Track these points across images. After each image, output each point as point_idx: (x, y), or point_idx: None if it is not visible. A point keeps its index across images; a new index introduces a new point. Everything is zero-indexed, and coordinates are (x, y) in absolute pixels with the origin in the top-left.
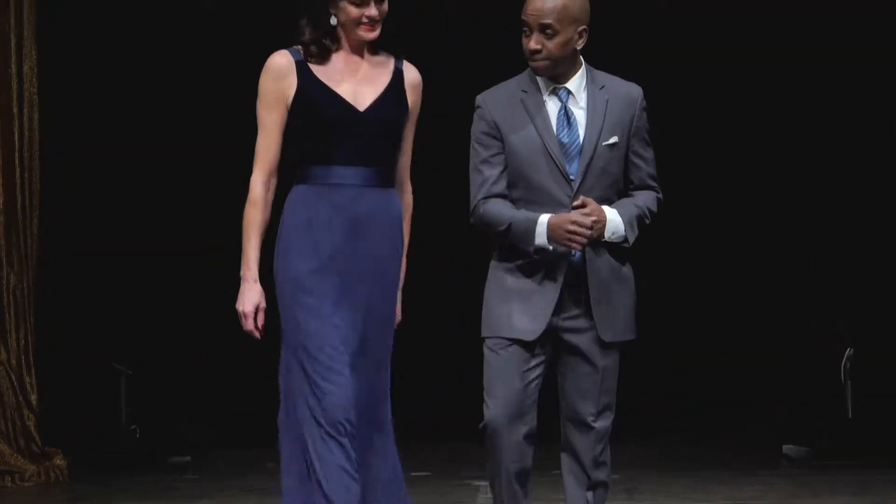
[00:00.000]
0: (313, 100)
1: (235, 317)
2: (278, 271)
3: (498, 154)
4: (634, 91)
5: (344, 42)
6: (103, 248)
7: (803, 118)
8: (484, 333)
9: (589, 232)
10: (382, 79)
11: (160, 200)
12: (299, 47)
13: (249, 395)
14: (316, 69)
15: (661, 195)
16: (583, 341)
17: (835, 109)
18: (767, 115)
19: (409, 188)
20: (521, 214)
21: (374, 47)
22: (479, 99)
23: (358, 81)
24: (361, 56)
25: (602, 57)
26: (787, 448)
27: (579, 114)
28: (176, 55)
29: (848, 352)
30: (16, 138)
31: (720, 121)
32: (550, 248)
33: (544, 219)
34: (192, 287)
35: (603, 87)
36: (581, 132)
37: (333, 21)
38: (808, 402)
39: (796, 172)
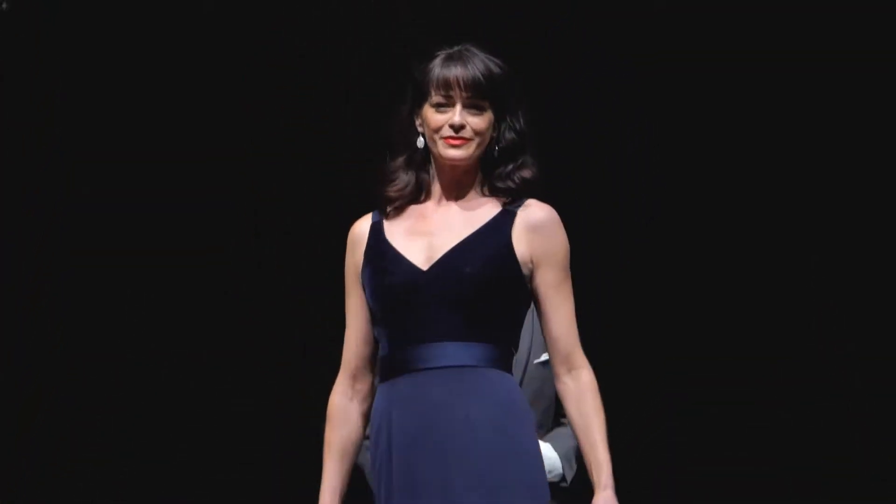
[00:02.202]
0: (373, 267)
1: (235, 317)
2: None
3: None
4: None
5: (437, 176)
6: (103, 248)
7: (803, 118)
8: None
9: None
10: (475, 221)
11: (160, 200)
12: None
13: (249, 396)
14: (391, 226)
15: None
16: None
17: (834, 109)
18: (767, 115)
19: (579, 363)
20: None
21: (491, 183)
22: None
23: (440, 229)
24: (461, 194)
25: (601, 57)
26: None
27: None
28: (176, 55)
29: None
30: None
31: (720, 121)
32: None
33: None
34: (192, 287)
35: None
36: None
37: (421, 142)
38: (808, 403)
39: (796, 172)
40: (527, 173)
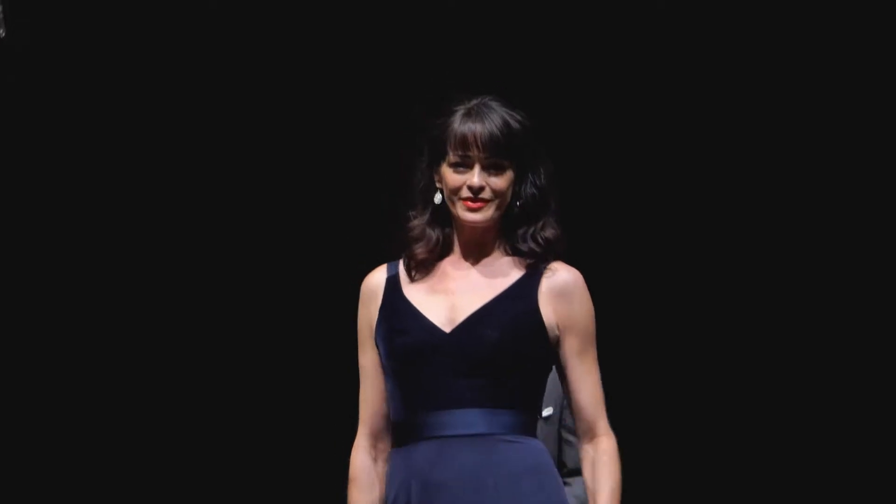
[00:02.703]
0: (390, 324)
1: (235, 317)
2: None
3: None
4: None
5: (457, 234)
6: (102, 248)
7: (802, 118)
8: None
9: None
10: (499, 283)
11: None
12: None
13: (250, 396)
14: (409, 282)
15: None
16: None
17: (835, 109)
18: (767, 115)
19: (601, 431)
20: None
21: (512, 244)
22: None
23: (462, 290)
24: (482, 253)
25: (599, 58)
26: None
27: None
28: (177, 54)
29: None
30: None
31: (720, 121)
32: None
33: None
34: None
35: None
36: None
37: (438, 198)
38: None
39: (796, 173)
40: (550, 233)
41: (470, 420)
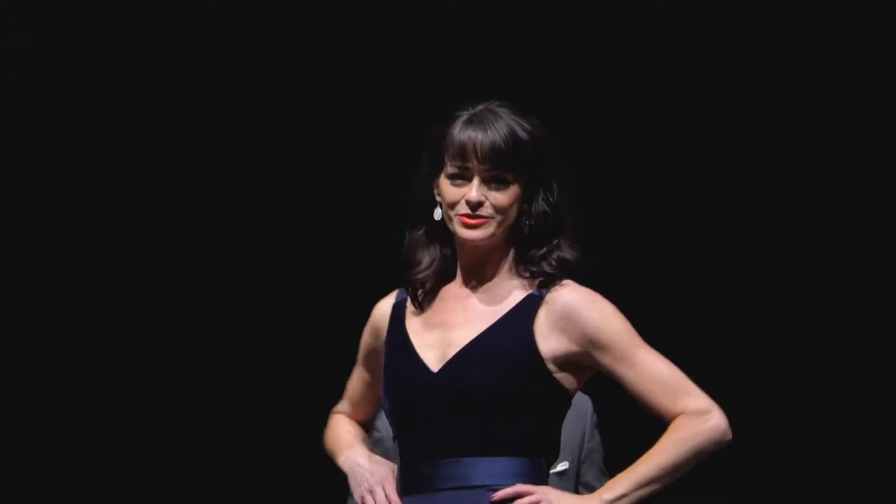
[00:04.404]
0: (390, 361)
1: (235, 317)
2: None
3: None
4: (582, 402)
5: (459, 255)
6: (103, 248)
7: (803, 118)
8: None
9: None
10: (497, 310)
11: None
12: None
13: (250, 397)
14: (411, 312)
15: None
16: None
17: (835, 109)
18: (767, 115)
19: (696, 406)
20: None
21: (523, 265)
22: None
23: (458, 321)
24: (486, 275)
25: (599, 58)
26: None
27: None
28: (177, 54)
29: None
30: None
31: (720, 121)
32: None
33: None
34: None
35: None
36: None
37: (438, 214)
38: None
39: (796, 173)
40: (566, 254)
41: (460, 471)
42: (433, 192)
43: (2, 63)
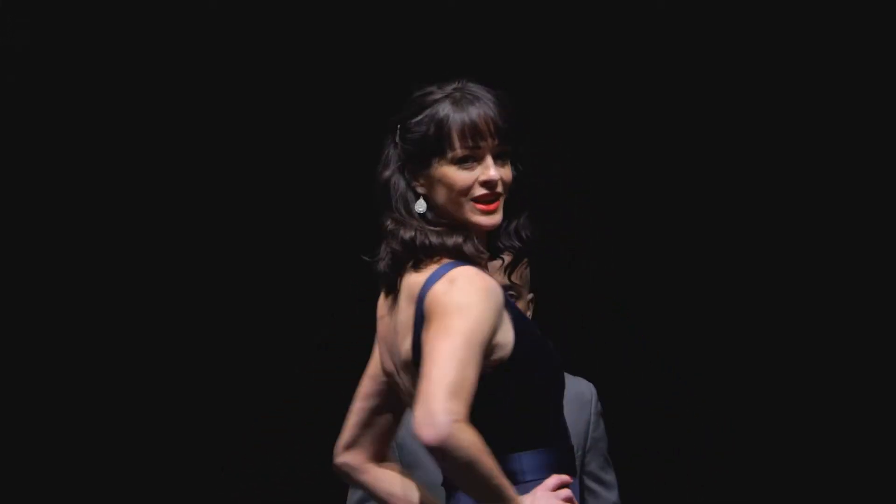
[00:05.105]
0: (523, 329)
1: (235, 317)
2: None
3: None
4: (585, 389)
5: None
6: (102, 248)
7: (803, 117)
8: None
9: None
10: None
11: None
12: None
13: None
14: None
15: None
16: None
17: (835, 109)
18: (768, 115)
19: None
20: None
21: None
22: None
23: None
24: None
25: (599, 58)
26: None
27: None
28: (176, 54)
29: None
30: None
31: (720, 121)
32: None
33: None
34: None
35: None
36: None
37: (421, 207)
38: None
39: (796, 172)
40: (529, 228)
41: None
42: (413, 186)
43: (2, 63)
